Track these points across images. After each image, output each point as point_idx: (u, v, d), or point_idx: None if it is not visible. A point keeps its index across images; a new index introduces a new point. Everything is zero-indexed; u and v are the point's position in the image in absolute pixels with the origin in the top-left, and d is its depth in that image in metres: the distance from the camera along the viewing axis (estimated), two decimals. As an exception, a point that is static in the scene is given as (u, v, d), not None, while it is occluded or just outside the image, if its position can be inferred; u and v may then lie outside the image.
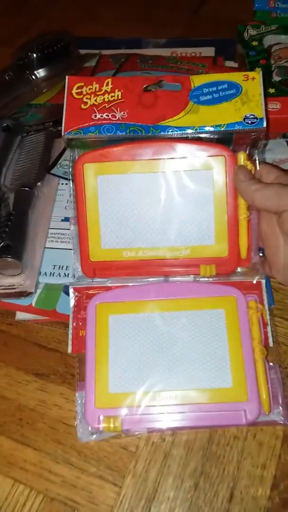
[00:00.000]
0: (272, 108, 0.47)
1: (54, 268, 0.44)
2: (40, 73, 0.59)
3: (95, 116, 0.40)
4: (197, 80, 0.40)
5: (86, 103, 0.40)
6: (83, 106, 0.40)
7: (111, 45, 0.68)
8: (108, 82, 0.40)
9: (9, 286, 0.42)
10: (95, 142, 0.40)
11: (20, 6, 0.81)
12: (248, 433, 0.37)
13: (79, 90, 0.40)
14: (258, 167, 0.40)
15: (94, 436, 0.36)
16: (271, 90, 0.49)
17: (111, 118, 0.40)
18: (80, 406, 0.37)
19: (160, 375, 0.37)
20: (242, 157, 0.39)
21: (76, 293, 0.40)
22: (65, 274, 0.43)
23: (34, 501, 0.35)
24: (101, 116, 0.40)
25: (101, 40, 0.70)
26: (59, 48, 0.60)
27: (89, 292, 0.40)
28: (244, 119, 0.39)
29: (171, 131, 0.39)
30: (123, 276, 0.41)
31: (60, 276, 0.43)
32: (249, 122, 0.39)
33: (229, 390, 0.36)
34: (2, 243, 0.42)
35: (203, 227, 0.40)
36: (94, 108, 0.40)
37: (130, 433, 0.36)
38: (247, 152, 0.40)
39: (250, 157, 0.40)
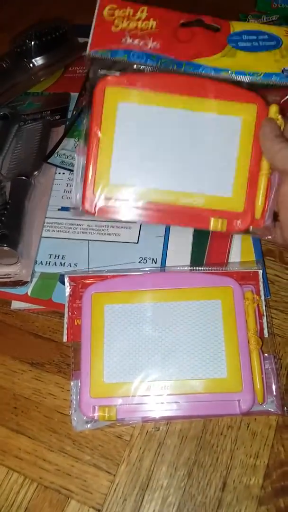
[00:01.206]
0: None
1: (50, 258, 0.43)
2: (38, 61, 0.58)
3: (125, 40, 0.37)
4: (238, 26, 0.39)
5: (118, 25, 0.38)
6: (113, 29, 0.38)
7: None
8: (143, 10, 0.39)
9: (4, 275, 0.42)
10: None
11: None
12: (242, 422, 0.37)
13: (111, 12, 0.38)
14: None
15: (89, 425, 0.36)
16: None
17: (142, 46, 0.38)
18: (75, 395, 0.37)
19: (155, 365, 0.37)
20: (273, 110, 0.37)
21: (72, 282, 0.40)
22: (61, 263, 0.43)
23: (28, 489, 0.35)
24: (132, 42, 0.38)
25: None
26: (57, 36, 0.60)
27: (85, 282, 0.40)
28: (282, 71, 0.37)
29: (205, 71, 0.37)
30: (127, 220, 0.39)
31: (56, 265, 0.43)
32: (285, 75, 0.37)
33: (224, 380, 0.36)
34: (-2, 232, 0.42)
35: (222, 176, 0.38)
36: (126, 32, 0.38)
37: (124, 422, 0.37)
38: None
39: (282, 112, 0.38)
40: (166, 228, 0.44)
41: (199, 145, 0.38)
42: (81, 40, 0.65)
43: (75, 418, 0.36)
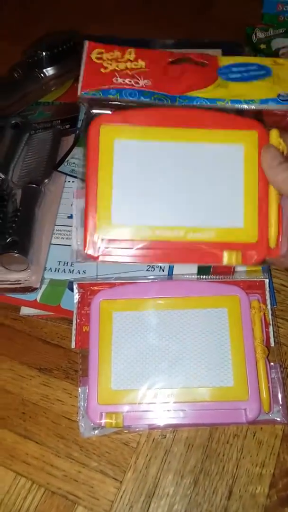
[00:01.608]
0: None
1: (59, 264, 0.44)
2: (49, 71, 0.59)
3: (116, 80, 0.37)
4: (225, 60, 0.38)
5: (107, 67, 0.37)
6: (103, 70, 0.37)
7: (119, 44, 0.68)
8: (131, 52, 0.38)
9: (15, 281, 0.43)
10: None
11: (28, 2, 0.81)
12: (248, 431, 0.37)
13: (99, 55, 0.38)
14: None
15: (96, 431, 0.37)
16: (278, 93, 0.49)
17: (133, 84, 0.37)
18: (82, 402, 0.37)
19: (162, 372, 0.37)
20: (274, 135, 0.36)
21: (80, 289, 0.41)
22: (70, 270, 0.44)
23: (35, 494, 0.35)
24: (123, 80, 0.37)
25: (108, 40, 0.70)
26: (68, 47, 0.61)
27: (93, 289, 0.40)
28: (278, 96, 0.37)
29: (200, 102, 0.37)
30: (133, 261, 0.36)
31: (65, 272, 0.44)
32: (283, 99, 0.37)
33: (230, 388, 0.36)
34: (9, 239, 0.42)
35: (231, 206, 0.36)
36: (116, 73, 0.37)
37: (131, 430, 0.37)
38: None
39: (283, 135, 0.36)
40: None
41: (203, 177, 0.36)
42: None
43: (83, 424, 0.37)
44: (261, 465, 0.36)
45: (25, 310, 0.43)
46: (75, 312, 0.40)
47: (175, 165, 0.36)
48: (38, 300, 0.43)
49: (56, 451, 0.37)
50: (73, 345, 0.39)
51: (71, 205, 0.48)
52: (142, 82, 0.37)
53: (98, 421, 0.36)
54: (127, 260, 0.36)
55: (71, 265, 0.44)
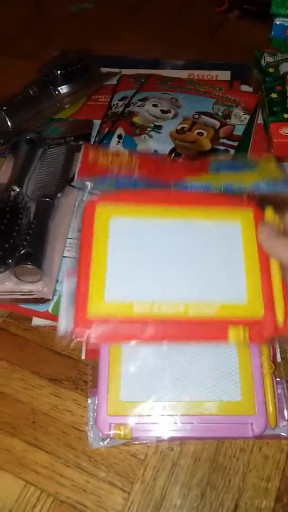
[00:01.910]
0: (287, 133, 0.49)
1: (71, 277, 0.45)
2: (63, 89, 0.61)
3: (112, 170, 0.38)
4: (215, 160, 0.41)
5: (103, 163, 0.39)
6: (100, 164, 0.39)
7: (130, 64, 0.70)
8: (125, 153, 0.41)
9: (27, 292, 0.44)
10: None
11: (42, 22, 0.84)
12: (254, 446, 0.38)
13: (95, 156, 0.40)
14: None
15: (105, 442, 0.37)
16: (286, 115, 0.51)
17: (129, 174, 0.38)
18: (92, 412, 0.38)
19: (170, 385, 0.38)
20: (269, 213, 0.37)
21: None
22: (81, 283, 0.44)
23: (44, 503, 0.36)
24: (119, 170, 0.38)
25: (120, 59, 0.72)
26: (81, 67, 0.63)
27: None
28: (266, 181, 0.38)
29: (194, 187, 0.38)
30: (130, 339, 0.33)
31: (76, 285, 0.44)
32: (272, 184, 0.38)
33: (238, 403, 0.37)
34: (22, 251, 0.44)
35: (233, 281, 0.35)
36: (112, 165, 0.39)
37: (139, 441, 0.37)
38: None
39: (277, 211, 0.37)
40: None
41: (201, 253, 0.35)
42: (103, 70, 0.68)
43: (92, 435, 0.37)
44: (267, 479, 0.36)
45: (37, 321, 0.44)
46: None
47: (172, 242, 0.35)
48: (50, 311, 0.44)
49: (65, 461, 0.37)
50: (83, 356, 0.40)
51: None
52: (137, 173, 0.38)
53: (106, 432, 0.36)
54: (123, 340, 0.34)
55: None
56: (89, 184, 0.38)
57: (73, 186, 0.51)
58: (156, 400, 0.37)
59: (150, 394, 0.37)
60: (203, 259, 0.35)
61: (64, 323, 0.33)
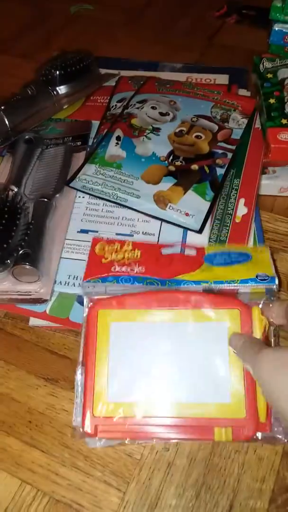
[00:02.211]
0: (285, 138, 0.50)
1: (69, 278, 0.45)
2: (62, 89, 0.61)
3: (114, 268, 0.43)
4: (210, 249, 0.44)
5: (107, 258, 0.44)
6: (103, 261, 0.44)
7: (129, 66, 0.71)
8: (129, 243, 0.45)
9: (25, 292, 0.44)
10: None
11: (42, 23, 0.84)
12: (249, 447, 0.38)
13: (102, 247, 0.45)
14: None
15: (102, 442, 0.37)
16: (284, 121, 0.52)
17: (129, 271, 0.43)
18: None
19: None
20: (256, 312, 0.39)
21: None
22: (79, 284, 0.45)
23: (40, 502, 0.36)
24: (120, 269, 0.43)
25: (118, 61, 0.73)
26: (81, 67, 0.63)
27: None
28: (256, 276, 0.42)
29: (186, 284, 0.42)
30: (126, 438, 0.37)
31: (74, 286, 0.45)
32: (261, 279, 0.42)
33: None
34: (21, 251, 0.44)
35: (218, 383, 0.37)
36: (115, 262, 0.44)
37: (130, 442, 0.38)
38: (260, 306, 0.39)
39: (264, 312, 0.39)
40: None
41: (191, 354, 0.39)
42: (102, 71, 0.68)
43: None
44: (261, 480, 0.37)
45: (34, 321, 0.44)
46: (83, 325, 0.41)
47: (164, 344, 0.39)
48: (47, 312, 0.44)
49: (61, 460, 0.37)
50: (80, 359, 0.40)
51: (81, 220, 0.50)
52: (136, 269, 0.43)
53: (92, 433, 0.36)
54: (123, 437, 0.37)
55: (80, 279, 0.45)
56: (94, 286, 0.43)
57: (71, 187, 0.52)
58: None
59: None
60: (192, 359, 0.38)
61: (76, 419, 0.37)
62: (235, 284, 0.42)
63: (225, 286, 0.42)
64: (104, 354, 0.38)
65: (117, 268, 0.43)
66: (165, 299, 0.40)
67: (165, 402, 0.37)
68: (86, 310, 0.41)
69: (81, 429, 0.37)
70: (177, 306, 0.40)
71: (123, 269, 0.43)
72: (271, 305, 0.39)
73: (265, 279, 0.42)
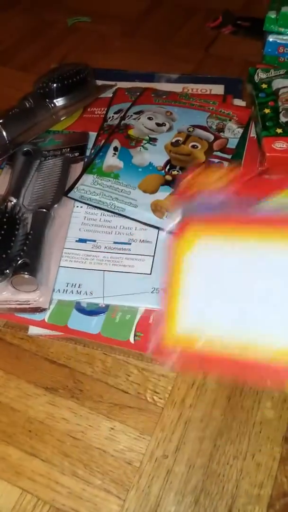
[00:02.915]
0: (280, 147, 0.51)
1: (67, 286, 0.46)
2: (59, 102, 0.62)
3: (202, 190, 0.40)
4: None
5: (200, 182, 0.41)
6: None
7: (125, 77, 0.72)
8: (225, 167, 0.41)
9: (24, 301, 0.44)
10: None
11: (40, 35, 0.85)
12: (248, 453, 0.38)
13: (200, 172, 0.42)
14: None
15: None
16: (279, 131, 0.52)
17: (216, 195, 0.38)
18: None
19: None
20: None
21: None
22: (77, 291, 0.45)
23: (41, 511, 0.36)
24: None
25: (115, 72, 0.74)
26: (78, 80, 0.64)
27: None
28: None
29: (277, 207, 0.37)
30: (204, 369, 0.34)
31: (72, 293, 0.45)
32: None
33: None
34: (19, 261, 0.44)
35: None
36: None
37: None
38: None
39: None
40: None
41: (281, 284, 0.32)
42: (99, 82, 0.69)
43: None
44: (260, 486, 0.37)
45: (33, 330, 0.45)
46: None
47: (250, 269, 0.33)
48: (46, 320, 0.44)
49: (61, 469, 0.38)
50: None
51: (79, 229, 0.50)
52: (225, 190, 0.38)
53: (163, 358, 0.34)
54: (197, 369, 0.35)
55: (78, 287, 0.46)
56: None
57: (70, 197, 0.52)
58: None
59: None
60: (283, 292, 0.33)
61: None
62: None
63: None
64: (180, 283, 0.35)
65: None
66: (252, 220, 0.34)
67: (242, 342, 0.32)
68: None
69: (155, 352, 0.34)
70: (268, 225, 0.34)
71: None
72: None
73: None
